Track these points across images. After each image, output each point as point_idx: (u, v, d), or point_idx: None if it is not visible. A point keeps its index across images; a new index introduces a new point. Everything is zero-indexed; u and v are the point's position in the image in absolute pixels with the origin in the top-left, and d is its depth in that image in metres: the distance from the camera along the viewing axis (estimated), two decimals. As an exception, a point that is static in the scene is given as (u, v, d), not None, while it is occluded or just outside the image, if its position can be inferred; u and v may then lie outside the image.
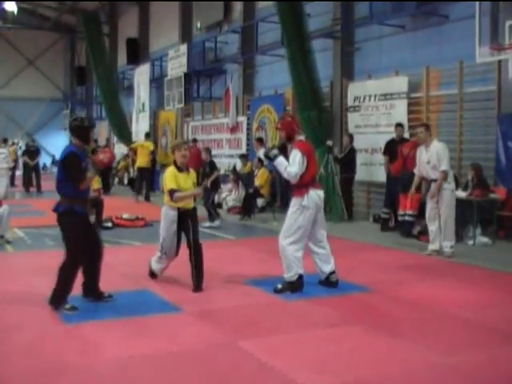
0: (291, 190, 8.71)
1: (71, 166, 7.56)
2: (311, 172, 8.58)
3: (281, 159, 8.51)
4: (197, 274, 8.64)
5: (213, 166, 15.61)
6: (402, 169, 13.38)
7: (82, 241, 7.59)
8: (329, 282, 8.70)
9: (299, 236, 8.43)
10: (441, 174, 10.85)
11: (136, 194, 22.14)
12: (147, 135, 24.29)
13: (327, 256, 8.74)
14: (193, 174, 9.15)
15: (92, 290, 7.97)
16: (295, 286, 8.39)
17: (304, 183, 8.45)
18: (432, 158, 10.97)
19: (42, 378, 5.36)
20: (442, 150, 10.98)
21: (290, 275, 8.39)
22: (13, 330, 6.79)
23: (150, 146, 22.93)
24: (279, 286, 8.41)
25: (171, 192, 8.63)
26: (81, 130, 7.77)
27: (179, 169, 8.90)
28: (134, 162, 24.26)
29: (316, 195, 8.48)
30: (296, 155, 8.41)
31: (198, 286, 8.59)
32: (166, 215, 8.89)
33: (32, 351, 6.06)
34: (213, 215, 15.27)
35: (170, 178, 8.76)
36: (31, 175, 26.67)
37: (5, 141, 25.56)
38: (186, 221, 8.78)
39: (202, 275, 8.67)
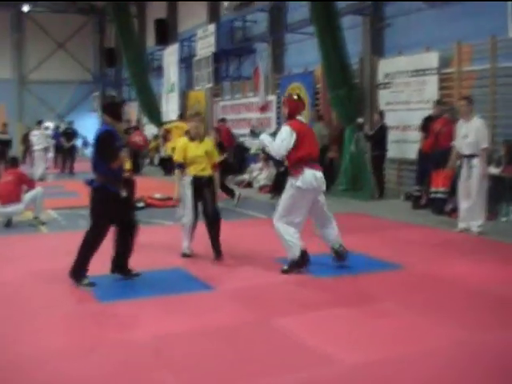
0: (289, 170, 8.50)
1: (105, 145, 7.69)
2: (307, 151, 8.30)
3: (264, 135, 8.55)
4: (215, 243, 9.15)
5: (222, 148, 15.58)
6: (434, 145, 13.27)
7: (108, 218, 7.79)
8: (337, 254, 8.58)
9: (293, 217, 8.31)
10: (482, 151, 10.72)
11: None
12: (181, 116, 24.37)
13: (333, 234, 8.68)
14: (207, 142, 9.56)
15: (120, 267, 8.09)
16: (300, 264, 8.30)
17: (298, 162, 8.24)
18: (471, 133, 10.77)
19: (76, 355, 5.43)
20: (482, 127, 10.79)
21: (290, 254, 8.31)
22: (48, 308, 6.88)
23: (185, 126, 22.95)
24: (285, 267, 8.33)
25: (176, 163, 9.43)
26: (112, 108, 7.97)
27: (191, 138, 9.40)
28: (166, 141, 24.32)
29: (312, 176, 8.22)
30: (283, 131, 8.30)
31: (218, 253, 9.08)
32: (181, 181, 9.42)
33: (67, 330, 6.16)
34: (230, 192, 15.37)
35: (178, 149, 9.52)
36: (66, 157, 26.95)
37: (39, 123, 25.76)
38: (202, 190, 9.20)
39: (219, 242, 9.17)
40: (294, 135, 8.20)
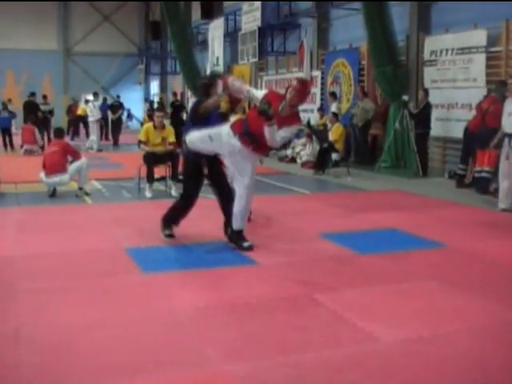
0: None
1: (195, 114, 8.56)
2: None
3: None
4: None
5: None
6: (480, 124, 13.13)
7: (192, 182, 8.61)
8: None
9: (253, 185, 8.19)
10: None
11: None
12: None
13: None
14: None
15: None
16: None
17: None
18: (516, 112, 10.71)
19: (118, 325, 5.52)
20: None
21: (241, 224, 8.22)
22: (91, 277, 6.99)
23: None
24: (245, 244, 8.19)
25: None
26: (201, 87, 8.93)
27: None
28: None
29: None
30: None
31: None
32: None
33: (110, 300, 6.23)
34: None
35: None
36: (114, 128, 27.41)
37: (95, 94, 26.08)
38: None
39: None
40: None
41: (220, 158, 8.43)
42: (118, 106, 28.14)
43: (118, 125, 27.67)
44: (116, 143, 26.60)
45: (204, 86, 8.67)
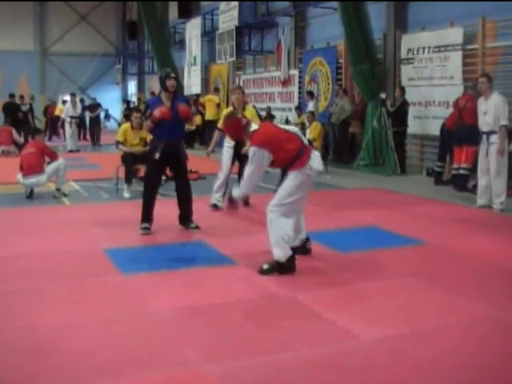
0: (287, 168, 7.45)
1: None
2: (290, 151, 7.30)
3: (238, 190, 7.53)
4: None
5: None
6: (457, 121, 13.19)
7: (154, 175, 9.21)
8: (305, 249, 7.84)
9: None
10: (501, 128, 10.65)
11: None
12: (216, 89, 25.02)
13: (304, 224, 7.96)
14: (249, 110, 10.96)
15: (182, 219, 9.40)
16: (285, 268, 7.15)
17: (291, 160, 7.31)
18: (490, 110, 10.77)
19: (97, 327, 5.50)
20: (501, 103, 10.72)
21: (279, 253, 7.10)
22: (69, 279, 6.94)
23: (217, 99, 23.92)
24: (266, 266, 7.14)
25: (218, 129, 11.19)
26: (160, 80, 9.21)
27: (234, 107, 10.91)
28: (202, 115, 24.82)
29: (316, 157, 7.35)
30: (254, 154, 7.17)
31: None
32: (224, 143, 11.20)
33: (88, 301, 6.19)
34: None
35: (222, 117, 10.79)
36: (93, 128, 27.57)
37: (73, 95, 26.16)
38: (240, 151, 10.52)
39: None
40: (265, 152, 7.19)
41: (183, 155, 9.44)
42: (94, 105, 28.17)
43: (97, 123, 27.74)
44: (98, 142, 26.70)
45: (161, 79, 9.15)
